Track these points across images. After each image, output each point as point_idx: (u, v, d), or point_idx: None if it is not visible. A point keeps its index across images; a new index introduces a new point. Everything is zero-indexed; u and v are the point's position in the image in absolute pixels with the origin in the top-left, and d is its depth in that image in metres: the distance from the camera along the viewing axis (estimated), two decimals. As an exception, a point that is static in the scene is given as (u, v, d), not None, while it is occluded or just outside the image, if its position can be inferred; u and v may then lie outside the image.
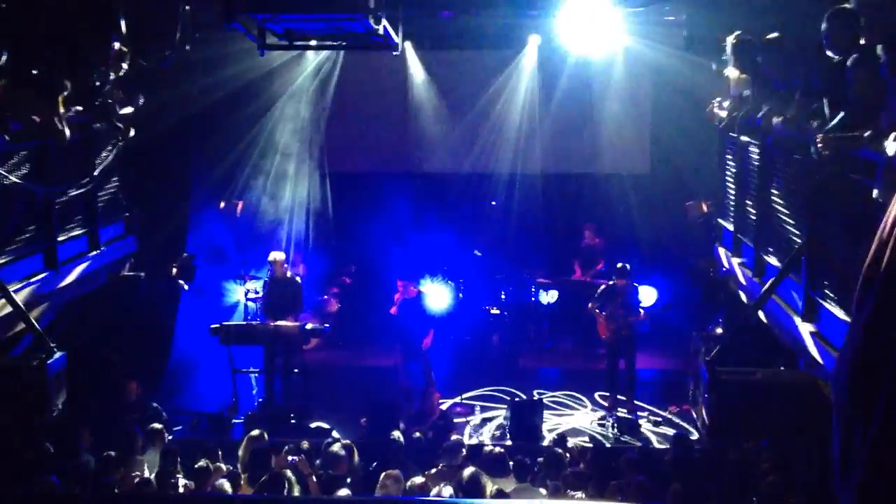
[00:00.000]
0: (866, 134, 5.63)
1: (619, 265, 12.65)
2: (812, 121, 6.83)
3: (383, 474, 8.42)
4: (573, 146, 15.95)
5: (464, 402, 12.82)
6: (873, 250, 1.67)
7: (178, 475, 8.67)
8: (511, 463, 9.13)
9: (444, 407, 12.58)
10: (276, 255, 12.73)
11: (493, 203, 16.18)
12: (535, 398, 12.35)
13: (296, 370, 12.49)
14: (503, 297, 15.64)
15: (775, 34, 8.21)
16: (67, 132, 8.40)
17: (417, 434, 10.41)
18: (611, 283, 12.68)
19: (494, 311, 15.55)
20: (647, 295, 13.80)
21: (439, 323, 13.32)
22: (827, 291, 6.72)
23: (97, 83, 9.58)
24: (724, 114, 10.40)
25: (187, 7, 10.38)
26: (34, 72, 8.29)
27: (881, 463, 1.52)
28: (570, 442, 10.82)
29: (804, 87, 7.26)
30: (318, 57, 15.27)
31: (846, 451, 1.62)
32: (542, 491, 8.66)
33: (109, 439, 9.58)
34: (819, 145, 6.23)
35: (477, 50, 15.03)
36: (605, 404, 12.57)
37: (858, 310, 1.65)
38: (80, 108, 9.17)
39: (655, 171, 15.51)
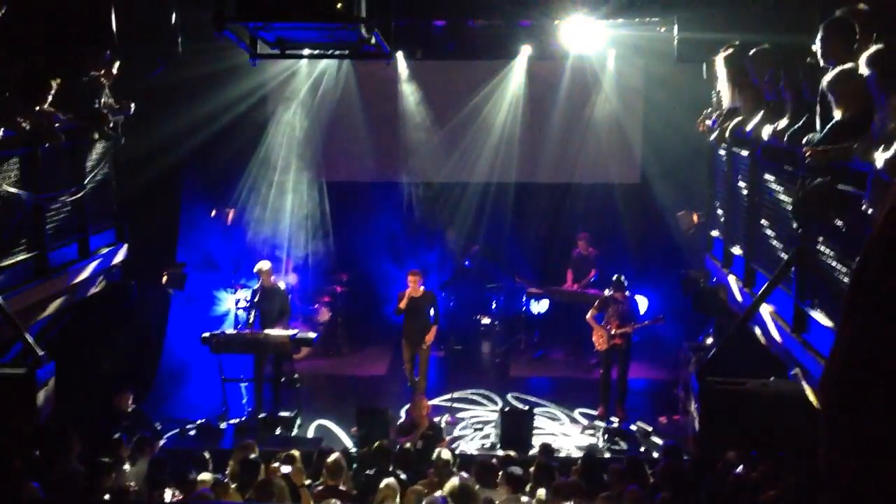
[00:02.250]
0: (855, 146, 5.66)
1: (615, 277, 12.69)
2: (803, 132, 6.86)
3: (381, 484, 8.41)
4: (565, 156, 15.95)
5: (442, 403, 12.80)
6: (861, 260, 1.68)
7: (165, 484, 8.64)
8: (502, 473, 9.12)
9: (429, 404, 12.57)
10: (263, 265, 12.76)
11: (466, 264, 16.08)
12: (517, 407, 12.38)
13: (295, 376, 12.49)
14: (494, 306, 15.66)
15: (765, 46, 8.26)
16: (60, 135, 8.39)
17: (408, 445, 10.40)
18: (608, 294, 12.73)
19: (485, 320, 15.56)
20: (640, 305, 13.85)
21: (441, 321, 13.41)
22: (816, 302, 6.74)
23: (89, 89, 9.58)
24: (715, 124, 10.43)
25: (175, 14, 10.38)
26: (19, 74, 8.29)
27: (869, 472, 1.52)
28: (561, 452, 10.83)
29: (794, 99, 7.29)
30: (312, 66, 15.28)
31: (833, 461, 1.62)
32: (532, 501, 8.64)
33: (99, 447, 9.54)
34: (808, 156, 6.25)
35: (469, 60, 15.05)
36: (584, 422, 12.57)
37: (847, 319, 1.66)
38: (71, 114, 9.16)
39: (647, 182, 15.53)
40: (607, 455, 11.16)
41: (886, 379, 1.52)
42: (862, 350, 1.57)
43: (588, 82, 15.54)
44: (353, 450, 10.97)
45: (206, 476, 8.73)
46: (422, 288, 13.00)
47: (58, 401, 7.93)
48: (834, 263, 6.36)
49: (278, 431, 11.95)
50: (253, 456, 9.22)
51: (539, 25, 13.31)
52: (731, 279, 9.76)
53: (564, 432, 12.27)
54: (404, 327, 13.02)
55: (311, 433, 12.15)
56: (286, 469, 8.85)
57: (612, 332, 12.48)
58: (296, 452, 9.60)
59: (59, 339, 10.03)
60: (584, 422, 12.61)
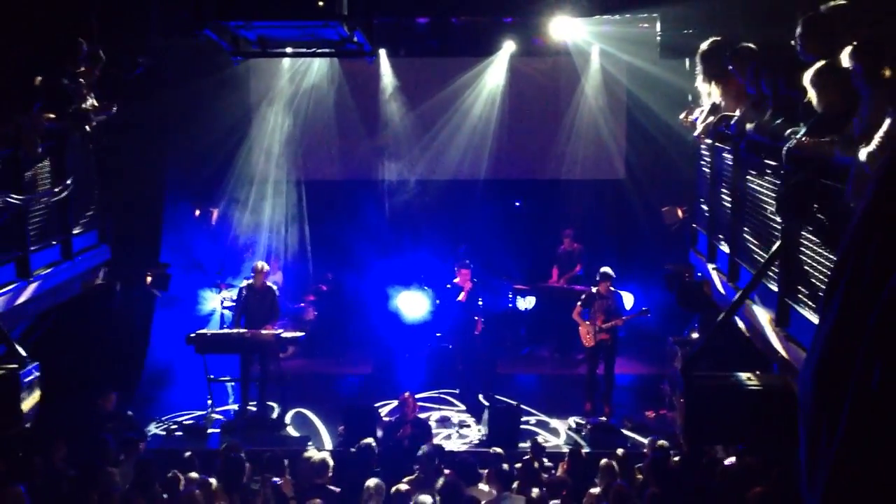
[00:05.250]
0: (837, 139, 5.68)
1: (602, 270, 12.67)
2: (785, 127, 6.88)
3: (366, 483, 8.41)
4: (549, 152, 15.98)
5: (430, 404, 12.84)
6: (839, 255, 1.68)
7: (152, 485, 8.61)
8: (486, 471, 9.14)
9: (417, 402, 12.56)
10: (261, 265, 12.68)
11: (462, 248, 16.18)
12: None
13: (270, 378, 12.48)
14: (480, 303, 15.63)
15: (745, 43, 8.27)
16: (38, 142, 8.34)
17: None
18: (593, 289, 12.72)
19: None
20: (625, 300, 13.85)
21: (483, 313, 13.89)
22: (800, 296, 6.76)
23: (69, 90, 9.51)
24: (698, 120, 10.44)
25: (156, 14, 10.33)
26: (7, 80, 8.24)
27: (847, 466, 1.52)
28: (548, 448, 10.85)
29: (775, 94, 7.31)
30: (295, 64, 15.24)
31: (812, 454, 1.62)
32: (522, 498, 8.66)
33: (84, 450, 9.51)
34: (791, 150, 6.27)
35: (452, 57, 15.06)
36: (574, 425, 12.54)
37: (824, 313, 1.66)
38: (53, 115, 9.10)
39: (631, 177, 15.58)
40: (595, 450, 11.16)
41: (862, 370, 1.52)
42: (839, 343, 1.58)
43: (572, 78, 15.58)
44: (336, 447, 10.96)
45: (190, 477, 8.71)
46: (471, 281, 13.51)
47: (42, 403, 7.88)
48: (817, 258, 6.38)
49: (264, 431, 11.91)
50: (237, 456, 9.20)
51: (522, 22, 13.34)
52: (716, 274, 9.78)
53: (552, 429, 12.28)
54: (454, 322, 13.56)
55: (288, 420, 12.18)
56: (278, 481, 8.81)
57: (599, 328, 12.47)
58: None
59: (43, 340, 9.97)
60: (561, 423, 12.58)
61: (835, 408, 1.57)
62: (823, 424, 1.60)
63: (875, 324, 1.53)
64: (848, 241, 1.64)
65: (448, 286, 13.71)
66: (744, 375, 7.78)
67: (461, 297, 13.39)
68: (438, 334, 14.41)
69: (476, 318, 13.55)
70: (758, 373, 7.97)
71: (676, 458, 9.81)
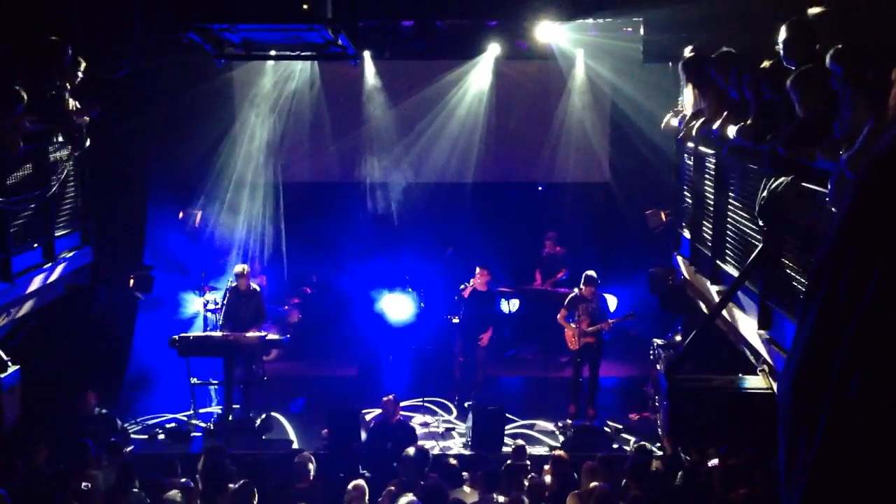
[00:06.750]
0: (819, 144, 5.72)
1: (587, 273, 12.68)
2: (767, 131, 6.93)
3: (349, 485, 8.40)
4: (533, 155, 16.01)
5: (414, 405, 12.84)
6: (818, 260, 1.69)
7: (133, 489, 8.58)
8: (466, 474, 9.15)
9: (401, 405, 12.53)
10: (242, 268, 12.64)
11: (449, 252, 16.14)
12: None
13: (265, 378, 12.44)
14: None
15: (727, 48, 8.32)
16: (21, 143, 8.30)
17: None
18: (577, 291, 12.72)
19: (456, 320, 15.53)
20: (609, 303, 13.88)
21: (499, 322, 13.76)
22: (782, 299, 6.80)
23: (53, 92, 9.47)
24: (679, 124, 10.49)
25: (140, 15, 10.30)
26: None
27: (825, 471, 1.53)
28: (531, 450, 10.86)
29: (757, 98, 7.35)
30: (278, 66, 15.20)
31: (790, 460, 1.63)
32: (501, 498, 8.67)
33: (66, 453, 9.46)
34: (773, 155, 6.31)
35: (437, 59, 15.06)
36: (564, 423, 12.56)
37: (803, 319, 1.67)
38: (35, 117, 9.06)
39: (615, 180, 15.62)
40: (578, 453, 11.17)
41: (839, 378, 1.53)
42: (817, 349, 1.59)
43: (556, 82, 15.61)
44: (322, 452, 10.93)
45: (172, 481, 8.68)
46: (486, 285, 13.32)
47: (24, 406, 7.84)
48: (799, 261, 6.43)
49: (247, 434, 11.87)
50: (219, 459, 9.17)
51: (507, 25, 13.37)
52: (698, 277, 9.82)
53: (537, 431, 12.29)
54: (461, 321, 13.40)
55: (271, 423, 12.17)
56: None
57: (585, 331, 12.47)
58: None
59: (25, 344, 9.92)
60: (545, 426, 12.58)
61: (813, 414, 1.58)
62: (802, 430, 1.61)
63: (854, 331, 1.54)
64: (827, 246, 1.65)
65: (461, 287, 13.48)
66: (726, 378, 7.82)
67: (465, 293, 13.24)
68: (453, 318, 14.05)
69: (489, 325, 13.35)
70: (740, 375, 8.02)
71: (659, 461, 9.85)
